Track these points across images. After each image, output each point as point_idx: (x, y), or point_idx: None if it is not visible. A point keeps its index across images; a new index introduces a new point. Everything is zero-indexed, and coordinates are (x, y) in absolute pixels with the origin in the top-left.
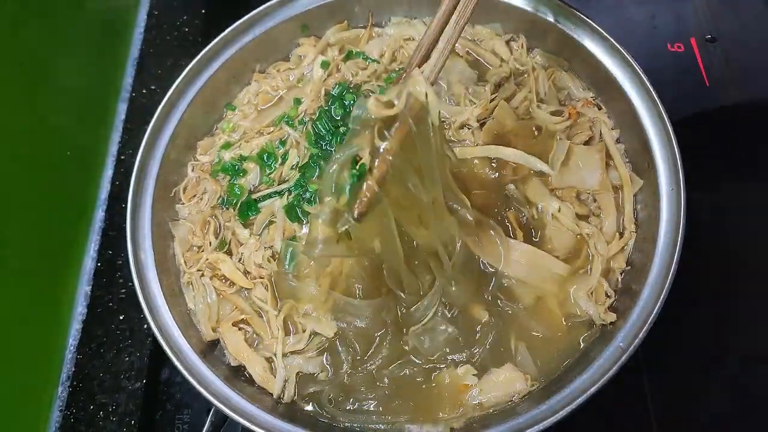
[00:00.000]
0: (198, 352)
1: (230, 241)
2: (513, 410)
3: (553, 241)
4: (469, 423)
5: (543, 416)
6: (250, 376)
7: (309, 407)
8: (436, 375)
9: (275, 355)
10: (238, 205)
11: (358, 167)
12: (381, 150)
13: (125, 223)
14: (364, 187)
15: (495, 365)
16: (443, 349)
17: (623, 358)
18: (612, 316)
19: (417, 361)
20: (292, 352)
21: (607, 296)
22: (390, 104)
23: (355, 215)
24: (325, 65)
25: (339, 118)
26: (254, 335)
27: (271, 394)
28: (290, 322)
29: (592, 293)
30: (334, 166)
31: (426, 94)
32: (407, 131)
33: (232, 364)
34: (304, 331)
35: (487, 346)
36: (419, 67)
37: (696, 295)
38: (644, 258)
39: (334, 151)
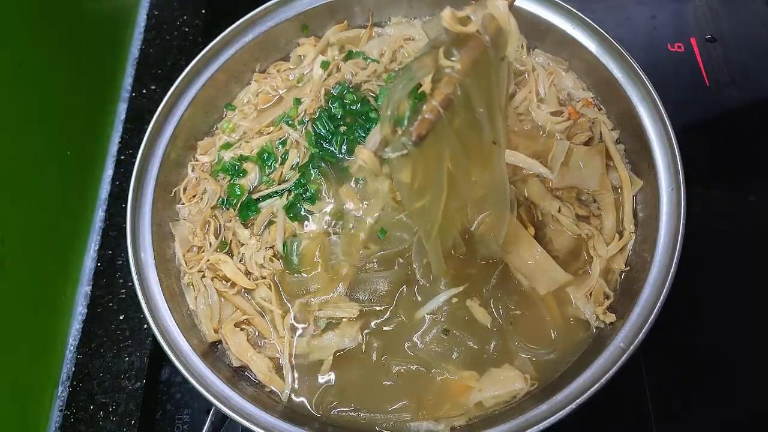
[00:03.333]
0: (199, 353)
1: (231, 241)
2: (514, 410)
3: (553, 242)
4: (470, 422)
5: (543, 416)
6: (252, 376)
7: (310, 405)
8: (438, 374)
9: (282, 356)
10: (238, 205)
11: (418, 94)
12: (447, 70)
13: (125, 223)
14: (425, 107)
15: (495, 365)
16: (443, 349)
17: (623, 358)
18: (611, 317)
19: (419, 356)
20: (324, 330)
21: (606, 297)
22: (466, 20)
23: (414, 138)
24: (325, 65)
25: (339, 117)
26: (257, 336)
27: (272, 394)
28: (304, 319)
29: (590, 294)
30: (394, 97)
31: (508, 19)
32: (482, 52)
33: (234, 365)
34: (318, 320)
35: (488, 346)
36: None
37: (696, 295)
38: (644, 258)
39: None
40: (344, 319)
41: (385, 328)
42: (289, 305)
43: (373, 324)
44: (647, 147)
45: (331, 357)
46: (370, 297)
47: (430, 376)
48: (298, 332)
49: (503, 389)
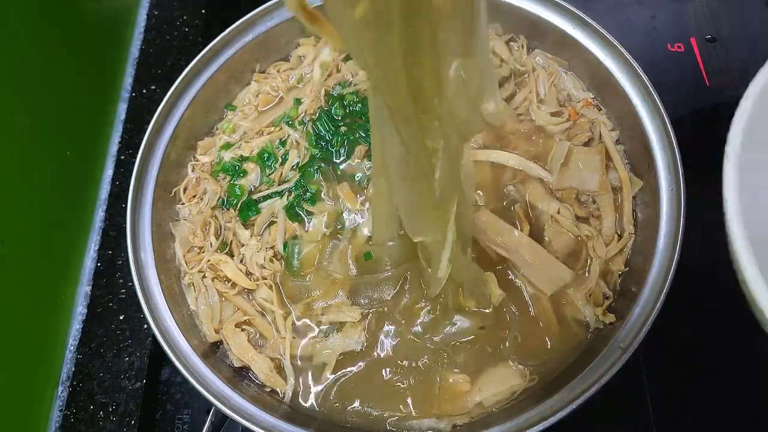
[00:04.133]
0: (199, 353)
1: (231, 242)
2: (514, 409)
3: (552, 243)
4: (472, 420)
5: (543, 416)
6: (253, 376)
7: (312, 406)
8: (438, 371)
9: (283, 356)
10: (239, 205)
11: None
12: None
13: (125, 223)
14: None
15: (492, 364)
16: (445, 344)
17: (623, 358)
18: (611, 317)
19: (422, 345)
20: (328, 333)
21: (606, 298)
22: None
23: None
24: (325, 66)
25: (339, 118)
26: (258, 336)
27: (273, 394)
28: (307, 321)
29: (590, 296)
30: None
31: None
32: None
33: (235, 365)
34: (321, 324)
35: (487, 344)
36: None
37: (696, 295)
38: (644, 259)
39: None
40: (348, 322)
41: (387, 327)
42: (291, 307)
43: (375, 323)
44: (647, 147)
45: (335, 359)
46: (372, 299)
47: (431, 374)
48: (301, 334)
49: (501, 387)
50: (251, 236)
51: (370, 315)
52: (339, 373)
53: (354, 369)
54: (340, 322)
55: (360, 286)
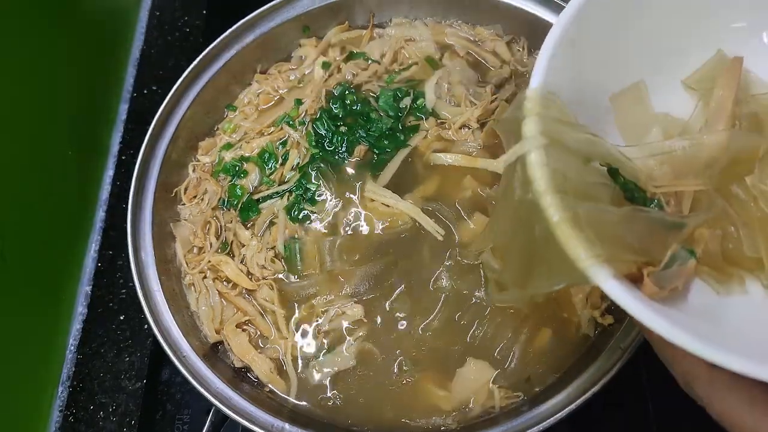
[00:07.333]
0: (200, 353)
1: (231, 242)
2: (514, 410)
3: None
4: (473, 422)
5: (544, 416)
6: (254, 377)
7: (313, 406)
8: (439, 368)
9: (285, 357)
10: (239, 206)
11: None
12: None
13: (126, 223)
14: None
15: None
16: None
17: (623, 358)
18: (609, 319)
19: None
20: (326, 353)
21: (604, 299)
22: None
23: None
24: (326, 66)
25: (340, 118)
26: (259, 336)
27: (274, 394)
28: (309, 321)
29: (587, 298)
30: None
31: None
32: None
33: (236, 366)
34: (323, 325)
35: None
36: None
37: None
38: None
39: None
40: (350, 327)
41: (387, 323)
42: (292, 307)
43: (378, 320)
44: None
45: (337, 368)
46: (371, 290)
47: (432, 371)
48: (303, 334)
49: (474, 386)
50: (252, 236)
51: (374, 310)
52: (341, 373)
53: (358, 369)
54: (345, 327)
55: (360, 278)
